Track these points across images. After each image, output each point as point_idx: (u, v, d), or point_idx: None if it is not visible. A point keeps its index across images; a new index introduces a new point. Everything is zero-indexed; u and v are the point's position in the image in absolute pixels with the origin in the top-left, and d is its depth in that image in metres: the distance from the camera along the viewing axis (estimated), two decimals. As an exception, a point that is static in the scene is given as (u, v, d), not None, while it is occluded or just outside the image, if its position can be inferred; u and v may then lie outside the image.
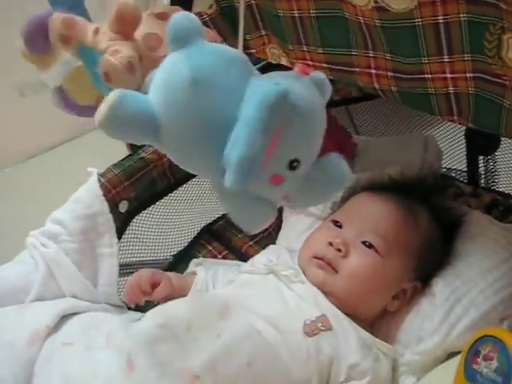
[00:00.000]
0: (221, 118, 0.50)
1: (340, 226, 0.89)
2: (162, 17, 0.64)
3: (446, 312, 0.82)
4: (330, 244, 0.85)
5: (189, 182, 1.12)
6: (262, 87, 0.49)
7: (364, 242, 0.85)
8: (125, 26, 0.61)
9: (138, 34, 0.63)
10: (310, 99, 0.51)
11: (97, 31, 0.63)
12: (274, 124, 0.48)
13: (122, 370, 0.71)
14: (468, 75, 0.70)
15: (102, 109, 0.49)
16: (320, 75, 0.54)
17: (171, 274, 0.93)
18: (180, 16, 0.53)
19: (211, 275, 0.94)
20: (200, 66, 0.51)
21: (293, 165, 0.51)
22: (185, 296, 0.88)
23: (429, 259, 0.88)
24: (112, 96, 0.50)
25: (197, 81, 0.50)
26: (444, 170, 1.15)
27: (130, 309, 0.98)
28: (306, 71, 0.52)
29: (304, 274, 0.85)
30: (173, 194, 1.10)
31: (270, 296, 0.82)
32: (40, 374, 0.73)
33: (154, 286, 0.86)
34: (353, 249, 0.85)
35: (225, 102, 0.50)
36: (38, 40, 0.69)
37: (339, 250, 0.84)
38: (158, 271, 0.91)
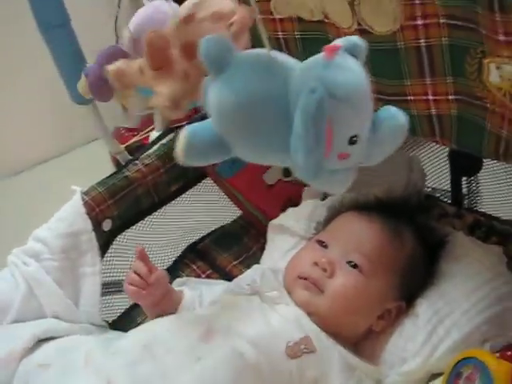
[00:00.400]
0: (276, 124, 0.54)
1: (325, 246, 0.88)
2: (189, 20, 0.66)
3: (429, 333, 0.82)
4: (316, 264, 0.84)
5: (173, 201, 1.12)
6: (301, 97, 0.52)
7: (349, 262, 0.85)
8: (157, 60, 0.65)
9: (175, 47, 0.66)
10: (347, 80, 0.53)
11: (141, 71, 0.67)
12: (322, 127, 0.52)
13: None
14: (450, 97, 0.71)
15: (179, 146, 0.56)
16: (349, 40, 0.55)
17: None
18: (208, 43, 0.55)
19: (197, 295, 0.93)
20: (239, 88, 0.54)
21: (353, 140, 0.53)
22: (174, 310, 0.88)
23: (413, 279, 0.88)
24: (183, 133, 0.56)
25: (241, 104, 0.54)
26: (428, 189, 1.16)
27: (112, 327, 0.97)
28: (333, 49, 0.53)
29: (289, 294, 0.85)
30: (157, 213, 1.10)
31: (253, 318, 0.81)
32: None
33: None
34: (338, 269, 0.84)
35: (273, 111, 0.54)
36: (103, 90, 0.77)
37: (325, 270, 0.84)
38: None
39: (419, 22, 0.66)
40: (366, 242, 0.87)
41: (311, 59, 0.55)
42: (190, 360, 0.72)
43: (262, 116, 0.54)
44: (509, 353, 0.67)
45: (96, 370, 0.73)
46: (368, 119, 0.55)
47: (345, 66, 0.53)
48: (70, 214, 0.91)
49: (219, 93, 0.55)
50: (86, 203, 0.93)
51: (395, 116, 0.56)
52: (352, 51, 0.55)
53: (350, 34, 0.72)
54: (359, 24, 0.70)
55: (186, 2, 0.67)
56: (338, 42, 0.55)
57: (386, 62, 0.72)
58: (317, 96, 0.50)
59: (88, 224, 0.92)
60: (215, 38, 0.56)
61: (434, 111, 0.73)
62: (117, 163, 1.67)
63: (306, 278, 0.84)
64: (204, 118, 0.60)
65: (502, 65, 0.61)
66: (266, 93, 0.54)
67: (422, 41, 0.67)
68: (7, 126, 1.94)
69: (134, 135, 1.86)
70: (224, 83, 0.55)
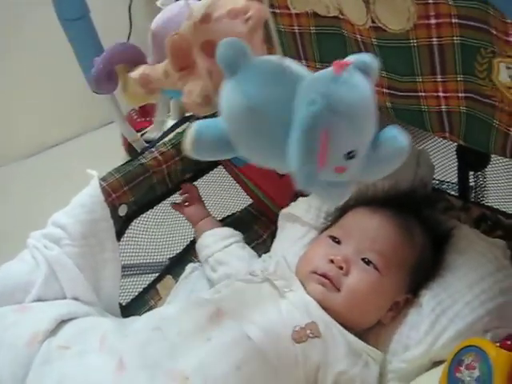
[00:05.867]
0: (281, 131, 0.55)
1: (338, 242, 0.90)
2: (206, 21, 0.67)
3: (432, 322, 0.84)
4: (331, 261, 0.86)
5: (184, 188, 1.13)
6: (300, 108, 0.53)
7: (363, 259, 0.86)
8: (180, 61, 0.67)
9: (195, 47, 0.67)
10: (350, 96, 0.53)
11: (166, 74, 0.69)
12: (315, 140, 0.52)
13: (113, 371, 0.72)
14: (460, 95, 0.72)
15: (188, 139, 0.57)
16: (362, 58, 0.55)
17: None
18: (224, 45, 0.57)
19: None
20: (252, 94, 0.55)
21: (350, 155, 0.54)
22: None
23: (421, 273, 0.90)
24: (192, 130, 0.57)
25: (252, 108, 0.55)
26: (436, 182, 1.17)
27: (125, 310, 1.01)
28: (342, 65, 0.54)
29: (303, 285, 0.86)
30: (170, 198, 1.12)
31: (262, 303, 0.83)
32: (35, 375, 0.74)
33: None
34: (353, 266, 0.85)
35: (280, 115, 0.55)
36: (107, 84, 0.79)
37: (341, 268, 0.85)
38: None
39: (432, 21, 0.67)
40: (380, 239, 0.88)
41: (321, 72, 0.55)
42: (199, 340, 0.75)
43: (269, 122, 0.55)
44: (508, 342, 0.69)
45: (110, 351, 0.76)
46: (368, 137, 0.55)
47: (351, 83, 0.53)
48: (89, 202, 0.93)
49: (231, 94, 0.57)
50: (103, 189, 0.95)
51: (397, 137, 0.56)
52: (363, 69, 0.55)
53: (364, 31, 0.74)
54: (373, 21, 0.71)
55: (198, 3, 0.68)
56: (350, 58, 0.55)
57: (398, 59, 0.73)
58: (314, 109, 0.51)
59: (107, 211, 0.94)
60: (231, 42, 0.57)
61: (444, 108, 0.75)
62: (128, 148, 1.70)
63: (321, 275, 0.85)
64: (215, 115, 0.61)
65: (512, 65, 0.63)
66: (276, 99, 0.55)
67: (435, 39, 0.68)
68: (21, 109, 1.96)
69: (146, 120, 1.89)
70: (237, 85, 0.56)
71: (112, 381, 0.72)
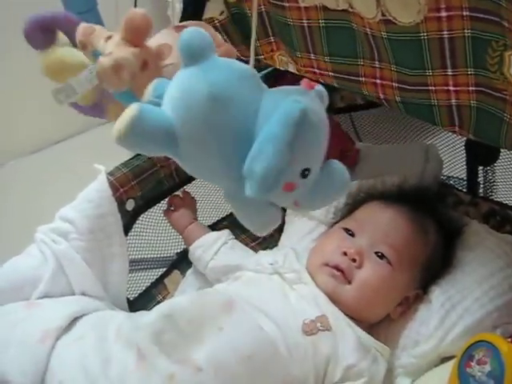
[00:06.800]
0: (237, 131, 0.53)
1: (352, 235, 0.90)
2: (180, 30, 0.66)
3: (441, 318, 0.84)
4: (345, 253, 0.86)
5: (192, 183, 1.13)
6: (283, 104, 0.52)
7: (376, 253, 0.86)
8: (133, 33, 0.63)
9: (153, 43, 0.65)
10: (318, 112, 0.54)
11: (109, 38, 0.65)
12: (297, 138, 0.51)
13: (134, 361, 0.72)
14: (470, 88, 0.72)
15: (122, 122, 0.50)
16: (321, 88, 0.57)
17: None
18: (192, 32, 0.54)
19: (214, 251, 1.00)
20: (217, 82, 0.53)
21: (305, 173, 0.53)
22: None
23: (433, 269, 0.90)
24: (131, 110, 0.51)
25: (215, 96, 0.52)
26: (444, 177, 1.17)
27: (133, 305, 1.01)
28: (312, 86, 0.55)
29: (312, 278, 0.87)
30: (178, 193, 1.11)
31: (272, 294, 0.83)
32: (55, 367, 0.74)
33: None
34: (366, 259, 0.85)
35: (241, 116, 0.53)
36: (37, 37, 0.74)
37: (354, 261, 0.85)
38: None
39: (443, 13, 0.67)
40: (394, 233, 0.88)
41: (288, 87, 0.56)
42: (211, 330, 0.75)
43: (229, 115, 0.52)
44: (521, 338, 0.69)
45: (126, 342, 0.75)
46: (320, 159, 0.55)
47: (317, 103, 0.55)
48: (97, 196, 0.92)
49: (191, 81, 0.53)
50: (110, 183, 0.95)
51: (343, 169, 0.57)
52: (320, 97, 0.56)
53: (374, 24, 0.73)
54: (383, 15, 0.71)
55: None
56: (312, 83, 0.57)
57: (408, 53, 0.73)
58: (302, 105, 0.50)
59: (114, 206, 0.93)
60: (202, 30, 0.55)
61: (454, 102, 0.74)
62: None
63: (333, 267, 0.85)
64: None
65: (524, 58, 0.62)
66: (241, 95, 0.53)
67: (445, 32, 0.68)
68: (23, 105, 1.96)
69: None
70: (199, 73, 0.53)
71: (135, 371, 0.72)
